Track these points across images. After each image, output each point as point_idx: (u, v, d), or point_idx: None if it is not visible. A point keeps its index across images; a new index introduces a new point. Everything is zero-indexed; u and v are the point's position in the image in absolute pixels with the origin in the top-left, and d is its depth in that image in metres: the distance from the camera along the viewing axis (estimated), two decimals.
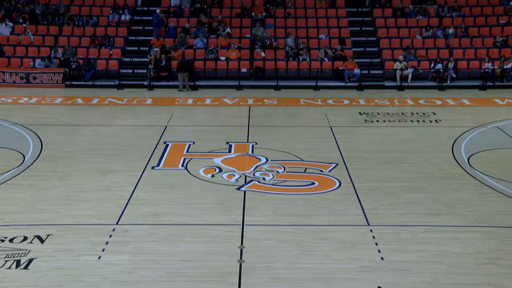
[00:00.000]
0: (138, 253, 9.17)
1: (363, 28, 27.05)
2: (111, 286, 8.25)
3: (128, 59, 25.06)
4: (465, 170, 13.41)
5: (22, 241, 9.50)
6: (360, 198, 11.54)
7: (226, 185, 12.34)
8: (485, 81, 23.51)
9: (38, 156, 14.28)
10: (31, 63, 24.03)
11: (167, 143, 15.47)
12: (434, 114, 19.13)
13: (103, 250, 9.27)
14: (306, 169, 13.47)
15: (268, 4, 27.92)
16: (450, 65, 23.89)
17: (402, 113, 19.27)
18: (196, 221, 10.50)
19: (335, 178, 12.74)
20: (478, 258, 9.08)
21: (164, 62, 23.93)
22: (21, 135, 16.28)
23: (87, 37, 25.72)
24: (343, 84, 23.78)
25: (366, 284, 8.31)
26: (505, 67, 23.84)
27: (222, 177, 12.81)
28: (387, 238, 9.76)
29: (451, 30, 26.02)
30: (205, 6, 27.55)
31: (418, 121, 18.27)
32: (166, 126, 17.38)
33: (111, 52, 24.95)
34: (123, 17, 26.91)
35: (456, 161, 14.08)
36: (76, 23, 26.44)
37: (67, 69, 23.61)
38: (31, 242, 9.45)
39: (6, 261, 8.82)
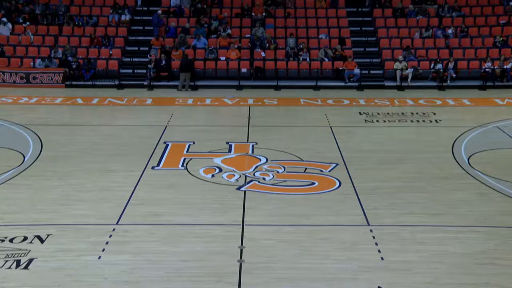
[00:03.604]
0: (138, 253, 9.16)
1: (363, 28, 27.05)
2: (111, 286, 8.25)
3: (128, 59, 25.05)
4: (465, 170, 13.41)
5: (22, 241, 9.49)
6: (360, 198, 11.54)
7: (226, 185, 12.34)
8: (485, 81, 23.51)
9: (38, 156, 14.27)
10: (31, 63, 24.03)
11: (167, 143, 15.47)
12: (434, 114, 19.14)
13: (103, 250, 9.27)
14: (306, 169, 13.47)
15: (268, 4, 27.92)
16: (450, 65, 23.89)
17: (402, 113, 19.27)
18: (196, 221, 10.49)
19: (335, 178, 12.74)
20: (478, 258, 9.08)
21: (164, 62, 23.94)
22: (21, 135, 16.27)
23: (87, 37, 25.71)
24: (343, 84, 23.79)
25: (366, 284, 8.30)
26: (505, 67, 23.84)
27: (222, 177, 12.81)
28: (387, 238, 9.76)
29: (450, 30, 26.01)
30: (205, 6, 27.55)
31: (418, 121, 18.28)
32: (166, 126, 17.38)
33: (111, 52, 24.95)
34: (123, 17, 26.91)
35: (456, 161, 14.08)
36: (76, 23, 26.44)
37: (67, 69, 23.61)
38: (31, 242, 9.45)
39: (6, 261, 8.82)
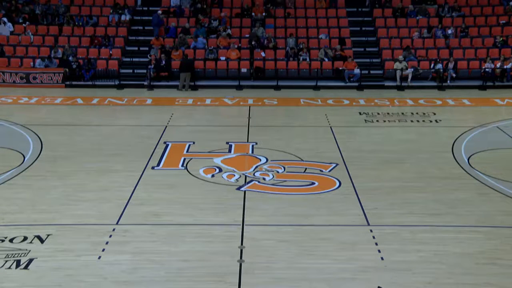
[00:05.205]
0: (138, 253, 9.17)
1: (363, 28, 27.05)
2: (111, 286, 8.25)
3: (128, 59, 25.06)
4: (465, 170, 13.41)
5: (22, 241, 9.50)
6: (360, 198, 11.54)
7: (226, 185, 12.34)
8: (485, 81, 23.51)
9: (38, 156, 14.27)
10: (31, 63, 24.03)
11: (167, 143, 15.47)
12: (434, 114, 19.14)
13: (103, 250, 9.27)
14: (306, 169, 13.47)
15: (268, 4, 27.93)
16: (450, 65, 23.89)
17: (402, 113, 19.27)
18: (196, 221, 10.50)
19: (335, 178, 12.74)
20: (478, 258, 9.09)
21: (164, 62, 23.94)
22: (21, 135, 16.28)
23: (87, 37, 25.72)
24: (343, 84, 23.79)
25: (366, 284, 8.31)
26: (505, 67, 23.84)
27: (222, 177, 12.81)
28: (387, 238, 9.77)
29: (449, 30, 26.00)
30: (205, 6, 27.55)
31: (418, 121, 18.28)
32: (166, 126, 17.38)
33: (111, 52, 24.95)
34: (123, 17, 26.92)
35: (456, 161, 14.08)
36: (76, 23, 26.45)
37: (67, 69, 23.61)
38: (31, 242, 9.45)
39: (6, 261, 8.82)
